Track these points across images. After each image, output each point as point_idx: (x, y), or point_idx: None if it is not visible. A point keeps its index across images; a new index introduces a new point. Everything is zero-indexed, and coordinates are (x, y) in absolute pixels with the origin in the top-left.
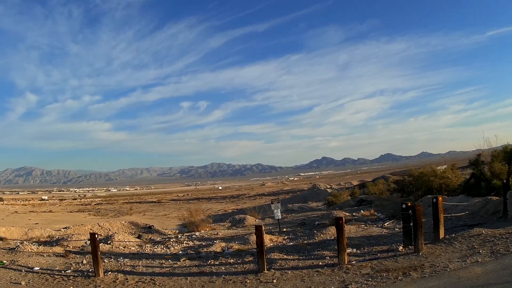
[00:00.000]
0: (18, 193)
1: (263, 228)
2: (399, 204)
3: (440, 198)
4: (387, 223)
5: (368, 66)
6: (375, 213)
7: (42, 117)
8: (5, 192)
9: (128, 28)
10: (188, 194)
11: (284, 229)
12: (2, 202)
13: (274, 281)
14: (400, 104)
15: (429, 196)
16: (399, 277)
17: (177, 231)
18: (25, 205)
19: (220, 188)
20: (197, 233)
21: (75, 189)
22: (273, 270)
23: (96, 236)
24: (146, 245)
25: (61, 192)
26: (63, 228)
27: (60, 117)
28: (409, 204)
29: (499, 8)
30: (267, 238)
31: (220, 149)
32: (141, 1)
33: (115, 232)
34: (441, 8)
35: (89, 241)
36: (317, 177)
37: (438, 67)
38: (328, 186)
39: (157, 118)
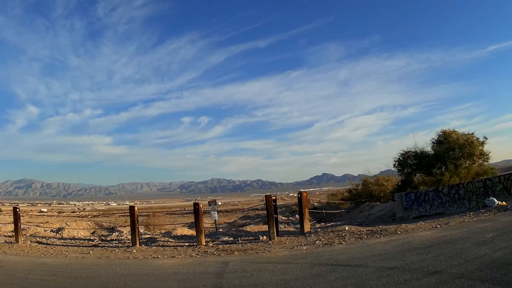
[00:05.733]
0: (18, 205)
1: (136, 209)
2: (330, 209)
3: (304, 194)
4: None
5: (368, 82)
6: (311, 218)
7: (43, 130)
8: (5, 204)
9: (129, 42)
10: (184, 209)
11: (221, 229)
12: (0, 213)
13: (134, 251)
14: (400, 120)
15: (367, 202)
16: (222, 254)
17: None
18: (23, 216)
19: (219, 203)
20: (141, 230)
21: (74, 202)
22: (143, 245)
23: (18, 210)
24: (92, 236)
25: (61, 205)
26: (35, 226)
27: (60, 130)
28: (274, 197)
29: (501, 22)
30: (189, 232)
31: (220, 165)
32: (143, 16)
33: (67, 226)
34: (441, 23)
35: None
36: (317, 193)
37: (438, 82)
38: (317, 200)
39: (157, 133)
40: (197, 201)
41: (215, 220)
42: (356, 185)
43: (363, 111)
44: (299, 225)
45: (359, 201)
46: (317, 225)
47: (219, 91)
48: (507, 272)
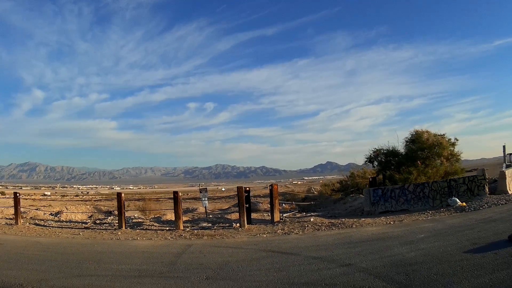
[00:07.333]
0: (21, 188)
1: (123, 195)
2: (321, 199)
3: (275, 186)
4: (286, 214)
5: (375, 73)
6: (296, 207)
7: (48, 114)
8: (8, 187)
9: (137, 28)
10: (187, 194)
11: (210, 216)
12: (3, 196)
13: (119, 233)
14: (405, 111)
15: (352, 194)
16: (192, 238)
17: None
18: (26, 199)
19: (223, 189)
20: (136, 214)
21: (78, 186)
22: (129, 228)
23: (18, 194)
24: (88, 220)
25: (64, 188)
26: (35, 210)
27: (66, 114)
28: (247, 188)
29: (508, 17)
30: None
31: (225, 151)
32: (152, 2)
33: (66, 210)
34: (449, 16)
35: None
36: (321, 181)
37: (444, 75)
38: (318, 189)
39: (163, 118)
40: (201, 187)
41: (205, 206)
42: (347, 176)
43: (369, 101)
44: (282, 214)
45: (348, 192)
46: (298, 215)
47: (226, 78)
48: (401, 271)
